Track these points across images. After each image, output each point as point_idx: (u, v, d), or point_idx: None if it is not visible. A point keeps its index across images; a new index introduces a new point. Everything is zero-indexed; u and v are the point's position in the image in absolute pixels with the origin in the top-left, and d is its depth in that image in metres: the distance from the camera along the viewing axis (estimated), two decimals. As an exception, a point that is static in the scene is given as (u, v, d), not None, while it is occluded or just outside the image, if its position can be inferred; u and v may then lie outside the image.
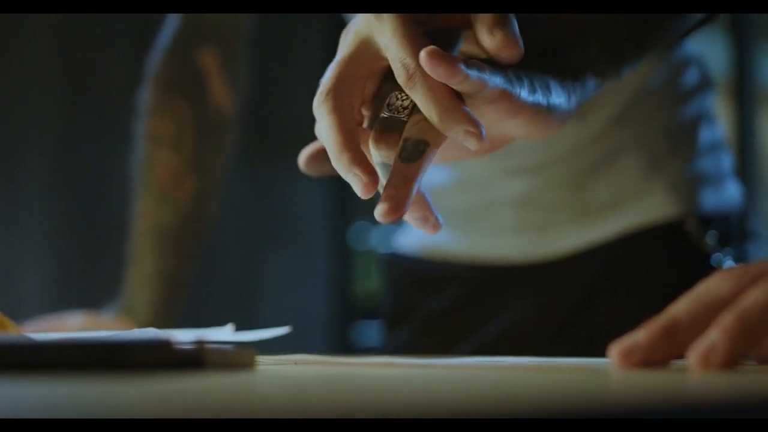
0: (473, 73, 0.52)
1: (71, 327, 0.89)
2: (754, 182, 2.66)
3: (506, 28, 0.54)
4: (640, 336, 0.45)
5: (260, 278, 2.62)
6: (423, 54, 0.52)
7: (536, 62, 0.58)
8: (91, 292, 1.66)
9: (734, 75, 2.71)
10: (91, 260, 2.26)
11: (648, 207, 0.90)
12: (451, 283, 0.98)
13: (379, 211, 0.53)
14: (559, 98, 0.57)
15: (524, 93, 0.55)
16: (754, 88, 2.73)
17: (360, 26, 0.57)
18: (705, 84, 0.95)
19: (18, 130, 2.30)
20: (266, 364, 0.51)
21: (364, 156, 0.55)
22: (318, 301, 2.74)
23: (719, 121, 0.98)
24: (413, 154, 0.53)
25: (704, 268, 0.90)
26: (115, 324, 0.93)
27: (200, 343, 0.43)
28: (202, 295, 2.28)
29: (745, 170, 2.61)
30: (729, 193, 0.94)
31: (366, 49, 0.56)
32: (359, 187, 0.54)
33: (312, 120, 0.58)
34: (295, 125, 2.24)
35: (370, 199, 0.59)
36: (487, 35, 0.54)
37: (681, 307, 0.45)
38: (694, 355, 0.43)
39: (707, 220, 0.90)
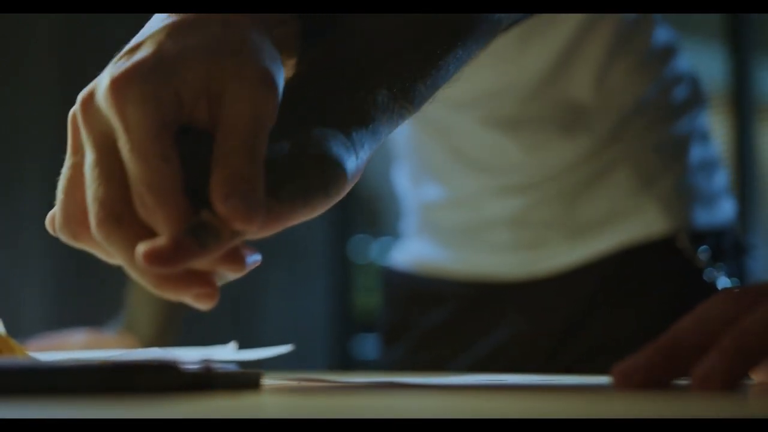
0: (204, 244, 0.44)
1: (74, 345, 0.90)
2: (753, 195, 2.66)
3: (242, 196, 0.44)
4: (641, 357, 0.45)
5: (260, 290, 2.62)
6: (138, 256, 0.43)
7: (318, 116, 0.49)
8: (91, 306, 1.67)
9: (733, 87, 2.71)
10: (91, 272, 2.26)
11: (640, 223, 0.91)
12: (446, 300, 0.98)
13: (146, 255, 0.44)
14: (335, 170, 0.48)
15: (286, 207, 0.47)
16: (753, 101, 2.74)
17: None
18: (697, 100, 0.96)
19: (18, 142, 2.31)
20: (271, 384, 0.51)
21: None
22: (318, 314, 2.73)
23: (713, 137, 0.99)
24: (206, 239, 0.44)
25: (698, 284, 0.90)
26: (117, 342, 0.93)
27: (207, 365, 0.43)
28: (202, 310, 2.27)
29: (743, 183, 2.61)
30: (722, 210, 0.94)
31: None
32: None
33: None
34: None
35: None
36: (221, 197, 0.44)
37: (681, 328, 0.45)
38: (693, 377, 0.43)
39: (699, 236, 0.91)
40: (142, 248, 0.43)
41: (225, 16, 0.48)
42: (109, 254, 0.46)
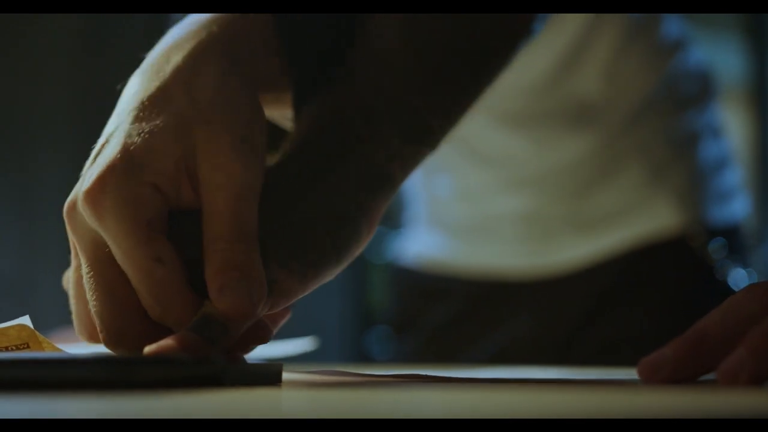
0: (213, 340, 0.42)
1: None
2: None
3: (236, 287, 0.42)
4: (668, 351, 0.45)
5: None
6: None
7: (328, 181, 0.47)
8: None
9: (752, 81, 2.69)
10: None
11: (651, 217, 0.90)
12: (454, 295, 0.98)
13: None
14: (348, 240, 0.47)
15: (296, 280, 0.46)
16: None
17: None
18: (709, 94, 0.95)
19: (34, 138, 2.31)
20: (291, 377, 0.51)
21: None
22: (334, 309, 2.74)
23: (728, 132, 0.98)
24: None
25: (709, 280, 0.89)
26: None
27: (220, 359, 0.42)
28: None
29: (762, 178, 2.60)
30: (734, 205, 0.94)
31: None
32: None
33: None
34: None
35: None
36: (216, 291, 0.43)
37: (709, 322, 0.45)
38: (720, 372, 0.42)
39: (712, 232, 0.90)
40: (148, 350, 0.41)
41: (189, 81, 0.45)
42: None
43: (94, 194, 0.43)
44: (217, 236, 0.43)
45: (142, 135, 0.44)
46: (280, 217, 0.45)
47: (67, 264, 0.48)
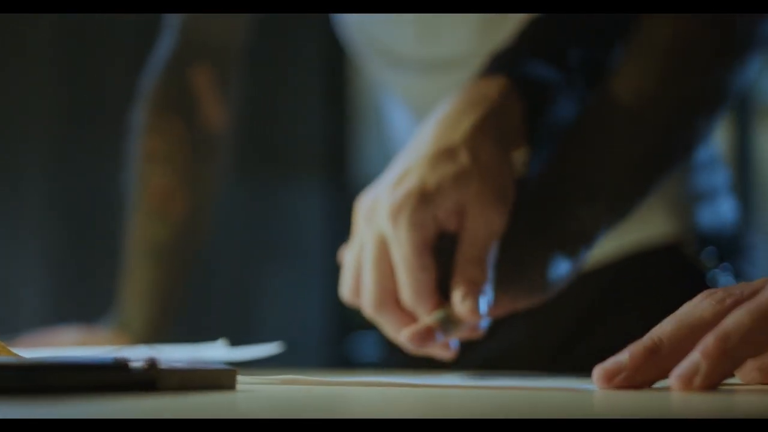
0: (448, 333, 0.60)
1: (65, 342, 0.89)
2: (753, 196, 2.65)
3: (474, 299, 0.59)
4: (624, 358, 0.45)
5: (257, 291, 2.62)
6: (405, 339, 0.59)
7: (547, 234, 0.64)
8: (87, 305, 1.66)
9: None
10: (87, 272, 2.26)
11: (645, 225, 0.90)
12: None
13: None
14: (550, 286, 0.66)
15: (509, 302, 0.63)
16: (754, 101, 2.73)
17: (378, 225, 0.61)
18: None
19: (17, 140, 2.31)
20: (250, 383, 0.50)
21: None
22: (315, 314, 2.74)
23: (714, 136, 0.98)
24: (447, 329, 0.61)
25: (702, 287, 0.89)
26: (109, 338, 0.93)
27: (153, 364, 0.42)
28: (199, 308, 2.28)
29: (743, 184, 2.61)
30: (724, 210, 0.94)
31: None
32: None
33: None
34: (293, 140, 2.25)
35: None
36: (460, 301, 0.59)
37: (664, 328, 0.45)
38: (675, 377, 0.43)
39: (703, 238, 0.90)
40: (407, 331, 0.59)
41: (473, 145, 0.62)
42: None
43: (395, 211, 0.60)
44: (469, 259, 0.60)
45: (435, 177, 0.60)
46: (507, 250, 0.62)
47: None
